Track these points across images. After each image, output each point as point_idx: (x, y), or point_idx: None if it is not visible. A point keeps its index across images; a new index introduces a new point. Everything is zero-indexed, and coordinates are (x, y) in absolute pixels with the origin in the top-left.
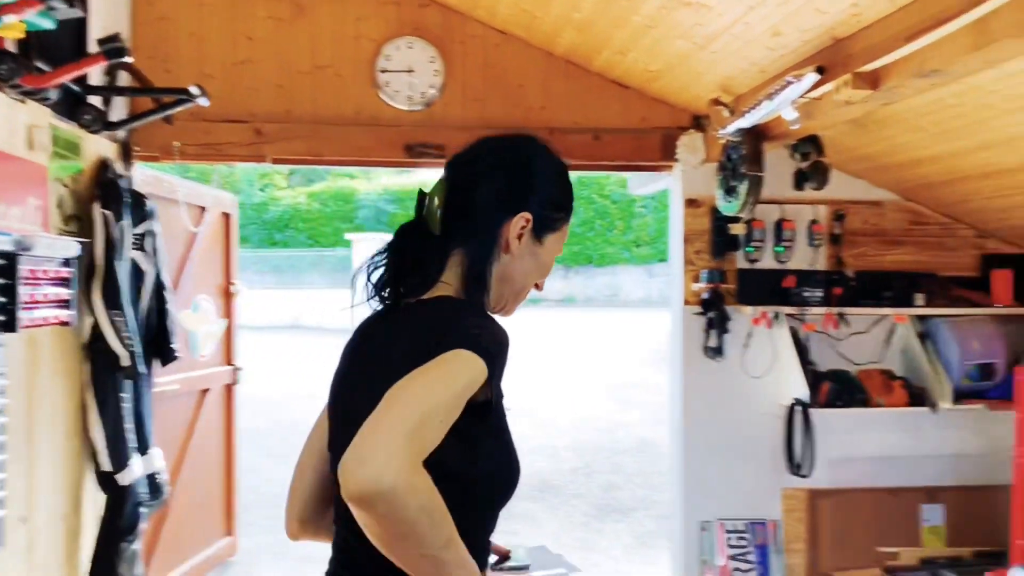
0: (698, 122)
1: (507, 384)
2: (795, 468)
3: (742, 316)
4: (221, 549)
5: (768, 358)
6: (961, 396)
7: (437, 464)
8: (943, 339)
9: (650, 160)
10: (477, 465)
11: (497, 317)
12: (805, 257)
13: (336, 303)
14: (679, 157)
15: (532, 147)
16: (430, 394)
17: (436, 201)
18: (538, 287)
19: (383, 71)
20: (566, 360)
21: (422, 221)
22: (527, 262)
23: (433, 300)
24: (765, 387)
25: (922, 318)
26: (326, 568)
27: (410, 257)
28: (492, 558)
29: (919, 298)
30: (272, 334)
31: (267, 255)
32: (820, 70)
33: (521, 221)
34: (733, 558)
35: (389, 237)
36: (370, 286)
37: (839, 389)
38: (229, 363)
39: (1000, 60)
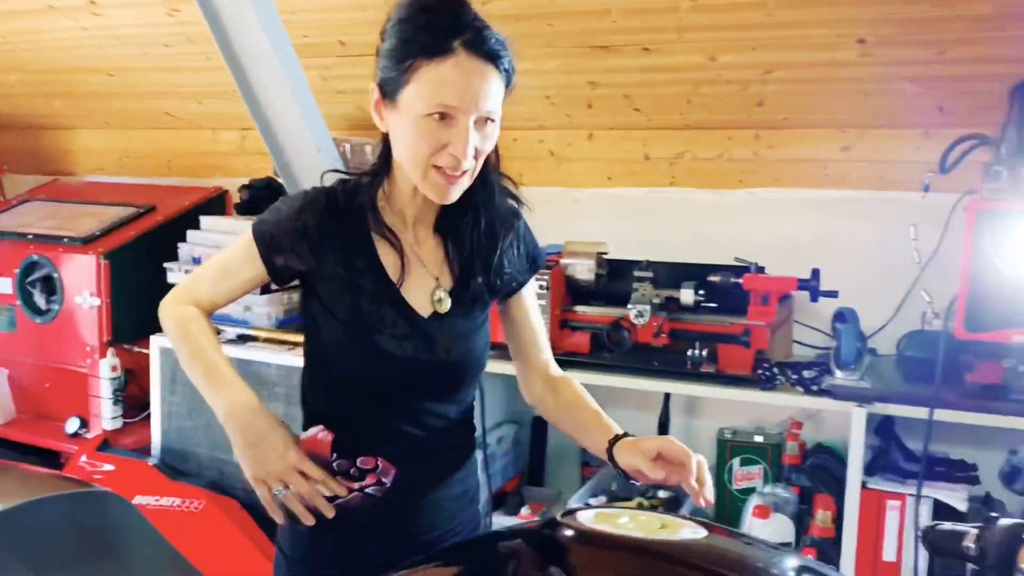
0: None
1: None
2: None
3: None
4: None
5: None
6: None
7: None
8: None
9: None
10: (319, 336)
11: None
12: None
13: None
14: None
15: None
16: (209, 261)
17: None
18: (454, 155)
19: None
20: None
21: None
22: (403, 133)
23: None
24: None
25: None
26: None
27: None
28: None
29: None
30: None
31: None
32: None
33: (372, 95)
34: None
35: None
36: None
37: None
38: None
39: None
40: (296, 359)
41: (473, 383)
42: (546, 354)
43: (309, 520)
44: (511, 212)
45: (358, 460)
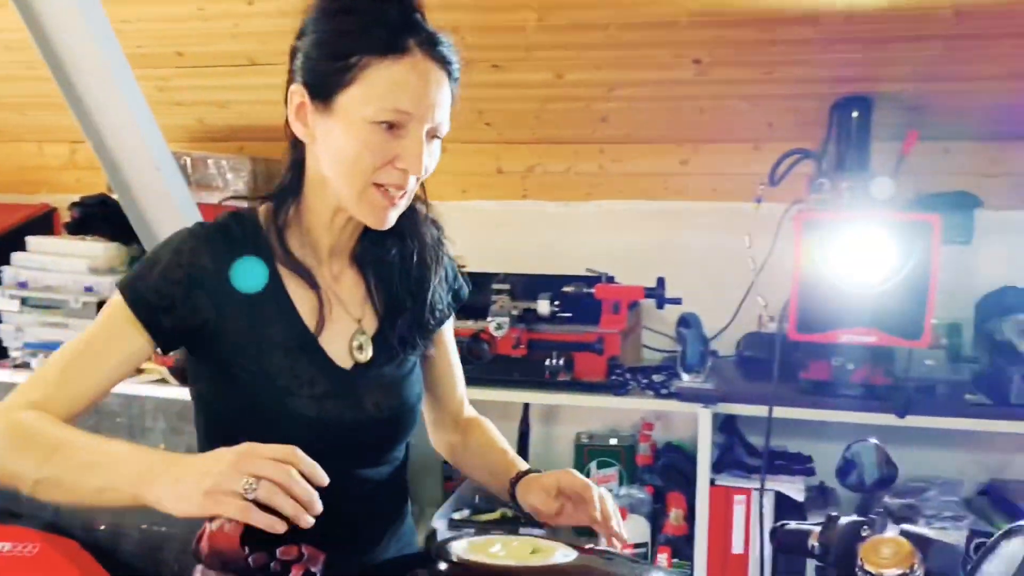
0: None
1: None
2: None
3: None
4: None
5: None
6: None
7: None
8: None
9: None
10: (215, 413)
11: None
12: None
13: None
14: None
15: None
16: (53, 356)
17: None
18: (404, 170)
19: None
20: None
21: None
22: (340, 142)
23: None
24: None
25: None
26: None
27: None
28: None
29: None
30: None
31: None
32: None
33: (294, 98)
34: None
35: None
36: None
37: None
38: None
39: None
40: (139, 387)
41: (407, 438)
42: (461, 391)
43: (312, 513)
44: (437, 240)
45: (278, 551)
